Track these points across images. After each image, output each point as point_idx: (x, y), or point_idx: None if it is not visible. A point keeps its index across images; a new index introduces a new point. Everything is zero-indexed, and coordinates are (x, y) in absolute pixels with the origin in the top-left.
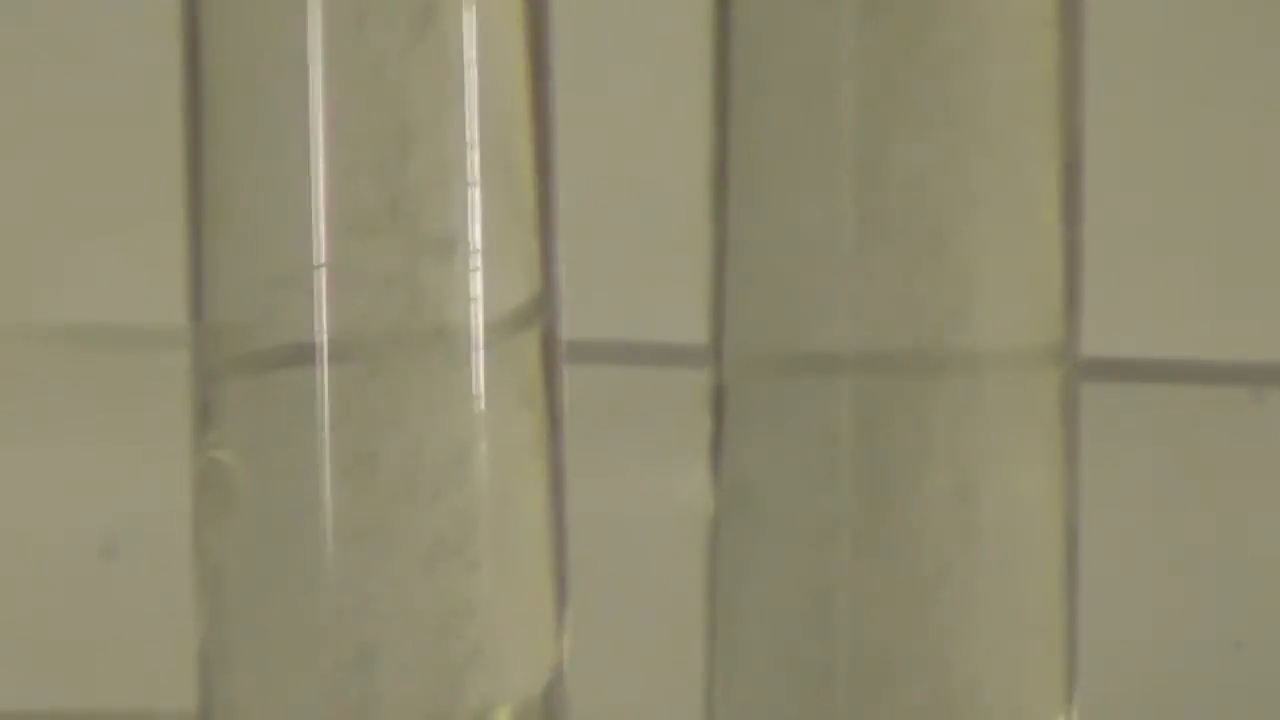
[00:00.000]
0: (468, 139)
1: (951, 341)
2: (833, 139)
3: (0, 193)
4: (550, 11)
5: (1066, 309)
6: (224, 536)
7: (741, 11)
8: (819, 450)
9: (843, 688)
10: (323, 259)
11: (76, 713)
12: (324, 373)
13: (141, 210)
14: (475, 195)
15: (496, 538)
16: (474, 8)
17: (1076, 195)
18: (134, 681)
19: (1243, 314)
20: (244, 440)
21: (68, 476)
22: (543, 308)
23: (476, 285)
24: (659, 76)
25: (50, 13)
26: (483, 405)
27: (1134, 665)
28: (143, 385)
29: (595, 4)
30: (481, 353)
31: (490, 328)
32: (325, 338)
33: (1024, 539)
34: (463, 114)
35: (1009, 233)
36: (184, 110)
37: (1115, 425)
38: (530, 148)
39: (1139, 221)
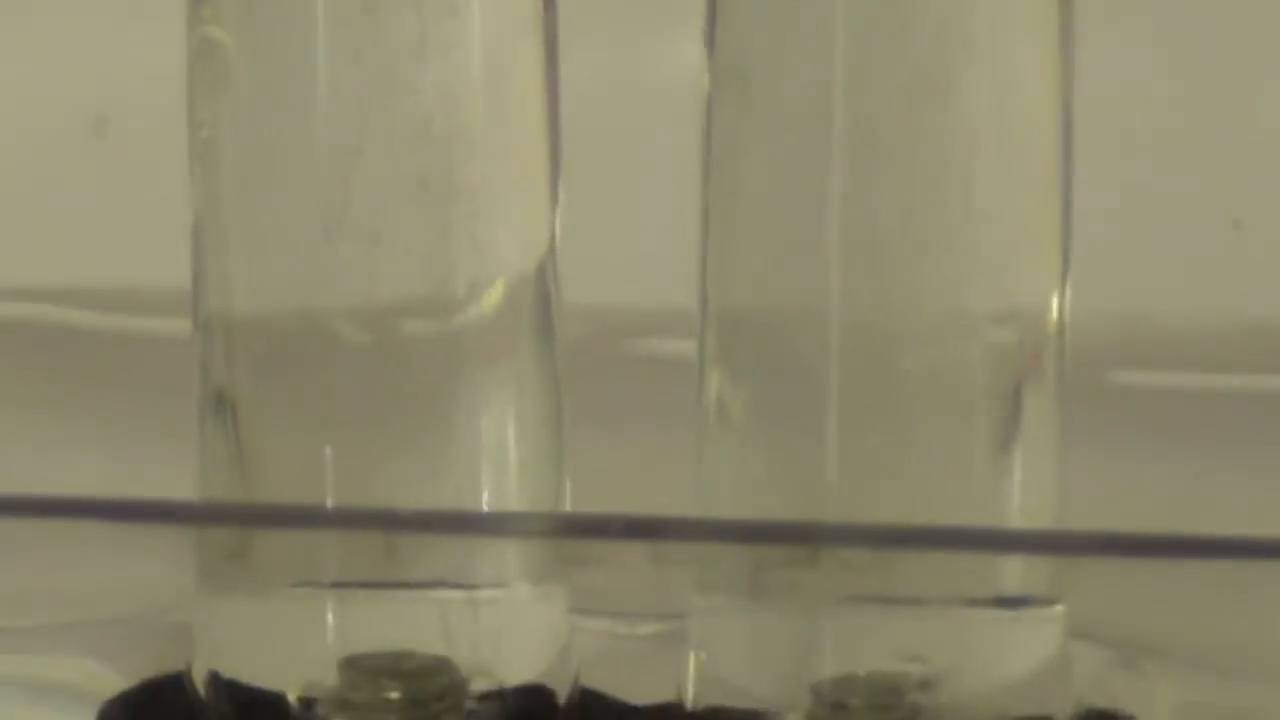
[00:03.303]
0: None
1: None
2: None
3: None
4: None
5: None
6: (218, 111)
7: None
8: (813, 27)
9: (835, 266)
10: None
11: (69, 289)
12: None
13: None
14: None
15: (489, 112)
16: None
17: None
18: (127, 256)
19: None
20: (237, 15)
21: (59, 51)
22: None
23: None
24: None
25: None
26: None
27: (1131, 246)
28: None
29: None
30: None
31: None
32: None
33: (1018, 113)
34: None
35: None
36: None
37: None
38: None
39: None
